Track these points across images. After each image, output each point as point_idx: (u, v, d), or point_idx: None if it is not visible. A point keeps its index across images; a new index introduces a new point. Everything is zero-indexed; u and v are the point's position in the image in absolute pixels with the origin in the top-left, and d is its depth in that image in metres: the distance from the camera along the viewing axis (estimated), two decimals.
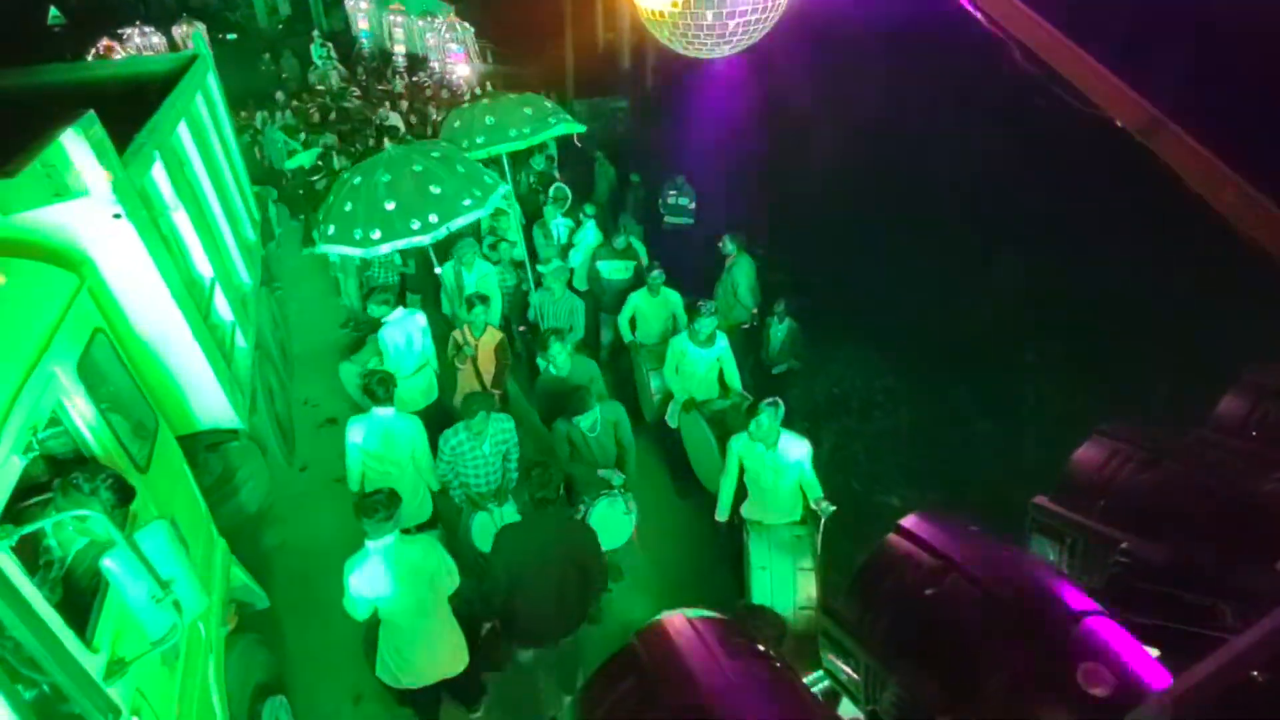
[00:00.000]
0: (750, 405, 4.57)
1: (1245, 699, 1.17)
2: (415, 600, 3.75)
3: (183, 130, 5.60)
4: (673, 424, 5.88)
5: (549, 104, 8.09)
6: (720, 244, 7.17)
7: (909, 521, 2.32)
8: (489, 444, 4.79)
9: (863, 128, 8.50)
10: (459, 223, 5.54)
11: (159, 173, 4.73)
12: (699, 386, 5.73)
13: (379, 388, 4.74)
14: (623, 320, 6.63)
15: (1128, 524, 2.58)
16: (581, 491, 5.02)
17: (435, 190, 5.45)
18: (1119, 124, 2.92)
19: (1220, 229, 2.78)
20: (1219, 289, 4.94)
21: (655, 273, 6.49)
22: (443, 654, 3.99)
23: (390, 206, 5.34)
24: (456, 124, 7.35)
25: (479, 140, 6.98)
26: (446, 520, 5.30)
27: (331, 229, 5.48)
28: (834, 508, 4.43)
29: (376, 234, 5.29)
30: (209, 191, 6.05)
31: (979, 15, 3.18)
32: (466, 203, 5.49)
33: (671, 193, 9.42)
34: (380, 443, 4.75)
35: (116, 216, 3.61)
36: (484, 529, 4.83)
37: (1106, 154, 3.50)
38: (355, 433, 4.73)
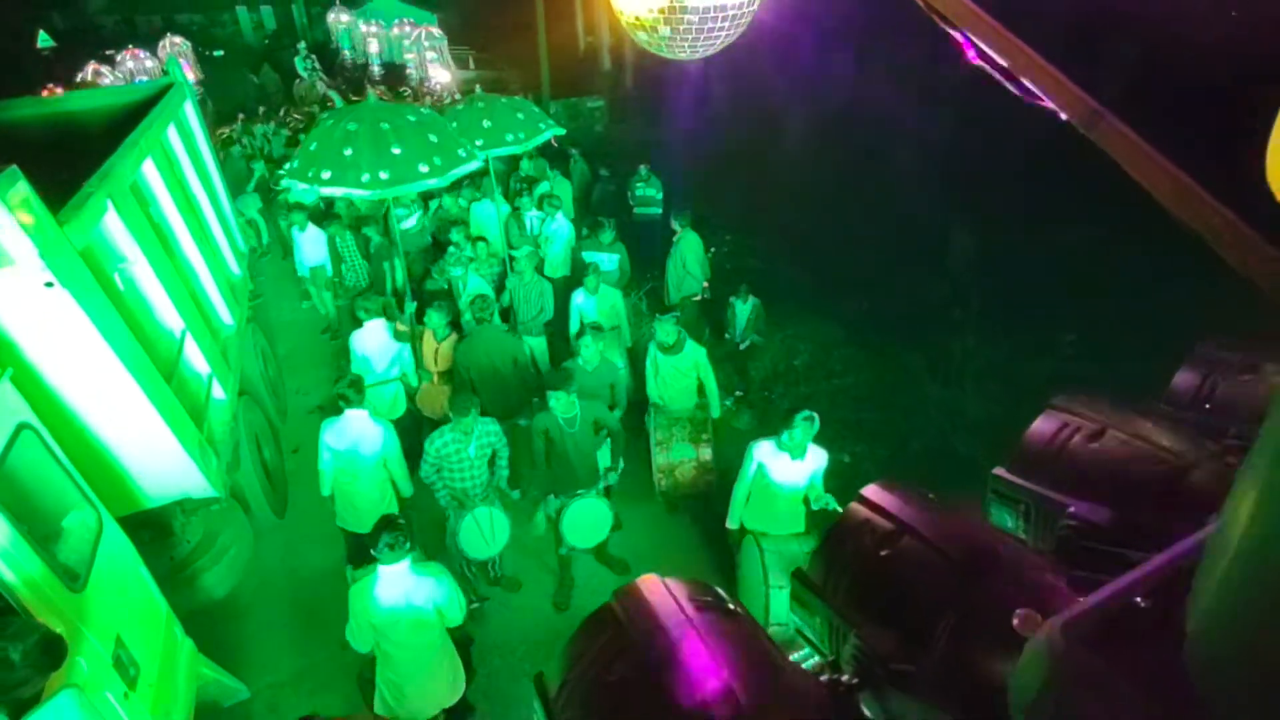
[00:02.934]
0: (786, 414, 4.49)
1: (1127, 622, 1.34)
2: (419, 633, 3.65)
3: (149, 168, 5.16)
4: (650, 426, 6.03)
5: (537, 109, 8.31)
6: (671, 219, 7.60)
7: (869, 490, 2.50)
8: (474, 445, 4.81)
9: (823, 120, 8.83)
10: (408, 188, 5.62)
11: (113, 222, 4.24)
12: (676, 396, 5.88)
13: (349, 390, 4.80)
14: (573, 320, 6.86)
15: (1076, 490, 2.77)
16: (559, 490, 5.04)
17: (395, 151, 5.38)
18: (1062, 116, 3.09)
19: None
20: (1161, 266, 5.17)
21: (589, 276, 6.67)
22: (441, 687, 3.92)
23: (347, 153, 5.32)
24: (454, 124, 7.48)
25: (478, 143, 7.13)
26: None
27: (295, 164, 5.59)
28: (837, 506, 4.50)
29: (326, 174, 5.33)
30: (181, 232, 5.65)
31: (930, 12, 3.36)
32: (422, 169, 5.45)
33: (639, 184, 9.66)
34: (352, 444, 4.78)
35: (48, 285, 3.09)
36: (470, 534, 4.82)
37: (1047, 142, 3.69)
38: (329, 435, 4.79)
